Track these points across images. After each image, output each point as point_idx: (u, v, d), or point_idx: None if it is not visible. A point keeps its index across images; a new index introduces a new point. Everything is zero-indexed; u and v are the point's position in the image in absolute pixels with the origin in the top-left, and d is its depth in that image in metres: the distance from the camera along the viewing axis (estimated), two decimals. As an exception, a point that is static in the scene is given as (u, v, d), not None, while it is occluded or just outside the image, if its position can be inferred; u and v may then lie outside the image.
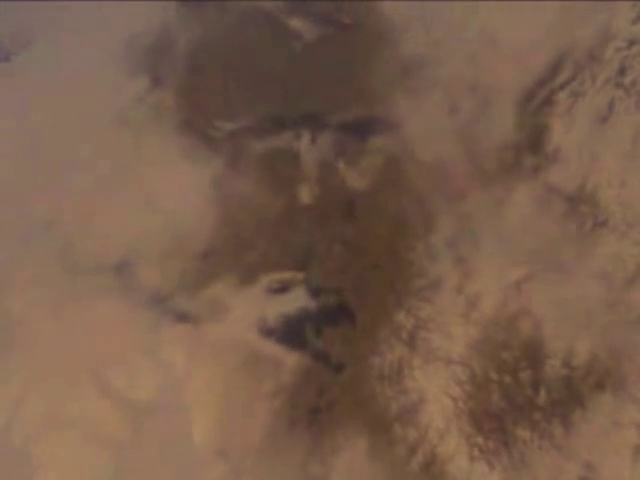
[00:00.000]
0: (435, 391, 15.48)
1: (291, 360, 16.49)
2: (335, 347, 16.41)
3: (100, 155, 19.53)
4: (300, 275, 16.86)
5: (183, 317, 17.15)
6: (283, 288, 16.93)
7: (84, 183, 19.17)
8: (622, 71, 17.02)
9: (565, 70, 17.62)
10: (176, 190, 18.33)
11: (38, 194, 19.23)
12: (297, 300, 16.71)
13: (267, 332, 16.72)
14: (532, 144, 16.92)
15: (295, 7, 20.64)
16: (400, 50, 19.02)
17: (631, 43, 17.28)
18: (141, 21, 21.77)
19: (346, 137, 18.07)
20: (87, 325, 17.50)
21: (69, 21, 22.40)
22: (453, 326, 15.78)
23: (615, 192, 15.89)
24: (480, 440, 14.84)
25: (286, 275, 16.98)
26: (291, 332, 16.71)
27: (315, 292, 16.76)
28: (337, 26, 19.95)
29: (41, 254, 18.46)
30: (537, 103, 17.39)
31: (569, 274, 15.42)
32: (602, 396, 14.40)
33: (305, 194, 17.59)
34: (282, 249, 17.34)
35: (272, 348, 16.58)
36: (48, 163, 19.51)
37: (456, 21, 19.00)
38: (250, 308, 16.94)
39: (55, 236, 18.62)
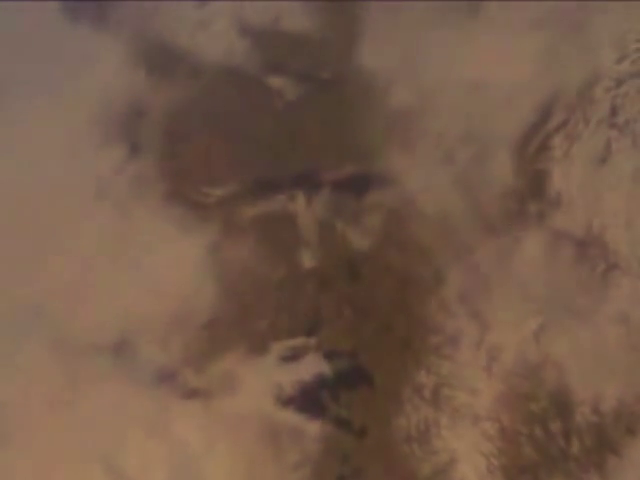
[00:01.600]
0: (466, 449, 16.29)
1: (312, 429, 17.16)
2: (356, 412, 17.15)
3: (84, 233, 19.87)
4: (312, 341, 17.61)
5: (193, 393, 17.70)
6: (296, 355, 17.65)
7: (71, 264, 19.50)
8: (614, 111, 18.36)
9: (557, 113, 18.87)
10: (170, 262, 18.91)
11: (23, 280, 19.53)
12: (312, 366, 17.45)
13: (284, 401, 17.38)
14: (534, 190, 18.05)
15: (272, 65, 21.49)
16: (388, 103, 20.04)
17: (619, 82, 18.64)
18: (111, 87, 22.39)
19: (342, 196, 18.92)
20: (90, 411, 17.90)
21: (35, 86, 22.92)
22: (476, 381, 16.66)
23: (622, 233, 17.08)
24: (516, 495, 15.75)
25: (297, 342, 17.70)
26: (309, 400, 17.39)
27: (329, 357, 17.51)
28: (318, 82, 20.83)
29: (33, 342, 18.81)
30: (533, 149, 18.56)
31: (587, 320, 16.48)
32: (634, 441, 15.40)
33: (307, 258, 18.36)
34: (290, 315, 18.05)
35: (291, 418, 17.23)
36: (29, 246, 19.87)
37: (442, 70, 20.13)
38: (264, 378, 17.60)
39: (46, 322, 18.94)
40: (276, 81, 21.40)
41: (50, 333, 19.02)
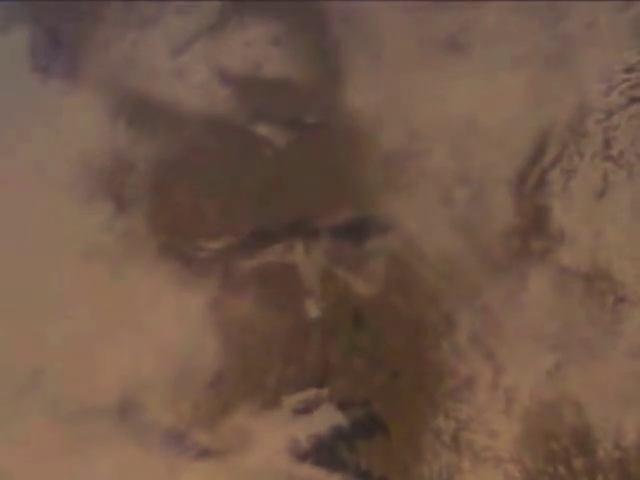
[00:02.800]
0: (491, 493, 16.92)
1: (332, 483, 17.66)
2: (374, 462, 17.68)
3: (78, 295, 20.20)
4: (324, 392, 18.13)
5: (204, 452, 18.06)
6: (309, 407, 18.13)
7: (66, 327, 19.79)
8: (607, 143, 19.32)
9: (551, 148, 19.79)
10: (170, 320, 19.33)
11: (17, 346, 19.80)
12: (326, 418, 17.95)
13: (301, 456, 17.82)
14: (536, 227, 18.88)
15: (257, 113, 22.18)
16: (380, 145, 20.76)
17: (609, 114, 19.64)
18: (90, 143, 22.88)
19: (342, 242, 19.53)
20: (95, 476, 18.21)
21: (10, 147, 23.28)
22: (495, 423, 17.32)
23: (628, 265, 17.98)
24: (545, 536, 16.36)
25: (309, 394, 18.21)
26: (326, 453, 17.85)
27: (343, 407, 18.03)
28: (306, 128, 21.51)
29: (32, 407, 19.07)
30: (531, 185, 19.41)
31: (601, 354, 17.28)
32: (658, 474, 16.16)
33: (311, 307, 18.90)
34: (299, 368, 18.55)
35: (309, 472, 17.70)
36: (21, 312, 20.14)
37: (431, 109, 20.99)
38: (278, 433, 18.05)
39: (44, 387, 19.21)
40: (262, 129, 21.94)
41: (49, 397, 19.25)
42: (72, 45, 25.49)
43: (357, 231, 19.74)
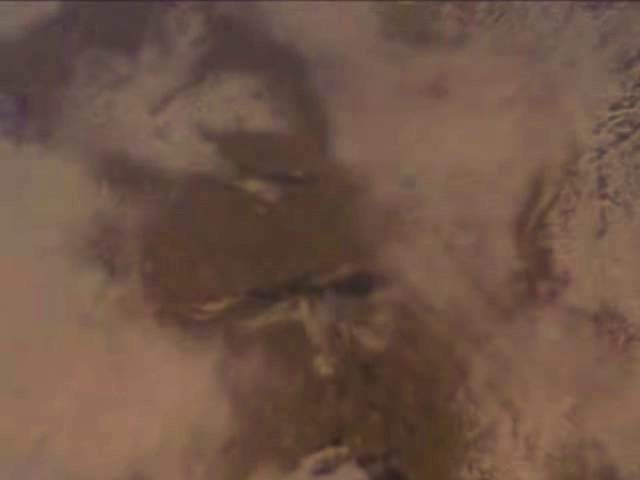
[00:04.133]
0: (520, 541, 17.59)
1: (359, 542, 18.17)
2: (400, 518, 18.27)
3: (78, 367, 20.51)
4: (342, 450, 18.71)
5: (224, 522, 18.48)
6: (328, 467, 18.65)
7: (69, 401, 20.05)
8: (602, 181, 20.37)
9: (547, 190, 20.76)
10: (175, 387, 19.72)
11: (20, 421, 20.05)
12: (347, 476, 18.51)
13: (325, 518, 18.35)
14: (540, 270, 19.77)
15: (244, 169, 22.87)
16: (374, 196, 21.58)
17: (601, 152, 20.71)
18: (74, 207, 23.33)
19: (346, 297, 20.20)
20: None
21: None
22: (520, 471, 18.01)
23: (636, 303, 18.95)
24: None
25: (328, 453, 18.77)
26: (351, 512, 18.42)
27: (362, 464, 18.60)
28: (296, 182, 22.24)
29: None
30: (531, 228, 20.33)
31: (617, 394, 18.12)
32: (684, 510, 17.00)
33: (322, 365, 19.47)
34: (314, 427, 19.05)
35: (335, 534, 18.21)
36: (23, 387, 20.41)
37: (422, 156, 21.89)
38: (300, 495, 18.58)
39: (48, 462, 19.46)
40: (252, 185, 22.56)
41: (53, 473, 19.40)
42: (42, 108, 25.79)
43: (360, 285, 20.30)
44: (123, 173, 24.00)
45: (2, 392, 20.32)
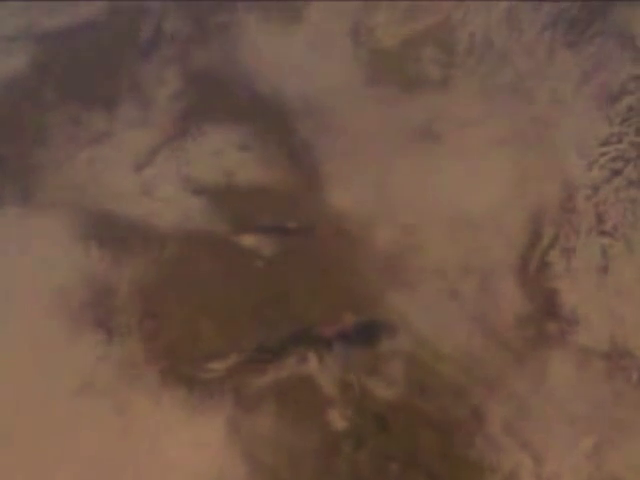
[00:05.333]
0: None
1: None
2: None
3: (82, 434, 20.60)
4: (362, 503, 19.06)
5: None
6: (351, 521, 18.99)
7: (74, 470, 20.13)
8: (600, 218, 21.10)
9: (546, 229, 21.46)
10: (187, 449, 19.84)
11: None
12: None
13: None
14: (547, 311, 20.40)
15: (237, 223, 23.32)
16: (374, 244, 22.14)
17: (595, 189, 21.52)
18: (65, 270, 23.54)
19: (354, 348, 20.69)
20: None
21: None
22: (546, 514, 18.57)
23: (645, 338, 19.63)
24: None
25: (348, 506, 19.10)
26: None
27: (384, 517, 18.98)
28: (293, 234, 22.72)
29: None
30: (534, 269, 21.00)
31: (635, 431, 18.82)
32: None
33: (336, 418, 19.87)
34: (333, 481, 19.43)
35: None
36: (25, 459, 20.41)
37: (419, 201, 22.53)
38: None
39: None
40: (248, 240, 22.96)
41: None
42: (20, 169, 25.99)
43: (366, 335, 20.72)
44: (112, 233, 24.20)
45: (3, 464, 20.09)
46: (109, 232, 24.23)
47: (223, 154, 24.59)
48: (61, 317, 22.82)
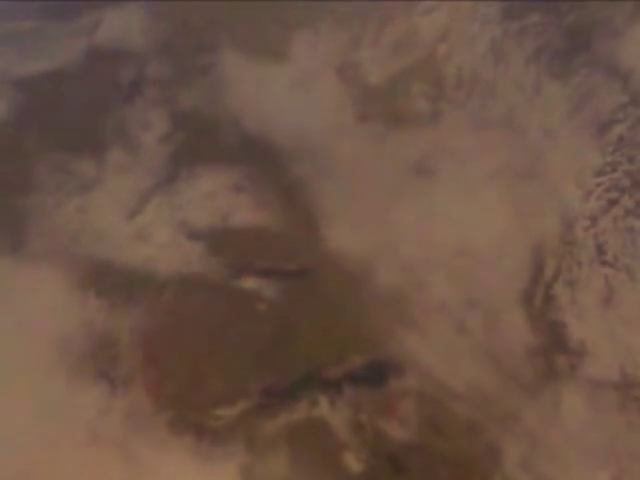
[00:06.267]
0: None
1: None
2: None
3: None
4: None
5: None
6: None
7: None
8: (600, 248, 21.52)
9: (548, 262, 21.83)
10: (201, 501, 19.99)
11: None
12: None
13: None
14: (555, 344, 20.74)
15: (237, 267, 23.49)
16: (376, 283, 22.38)
17: (593, 220, 21.95)
18: (62, 321, 23.50)
19: (364, 389, 20.89)
20: None
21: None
22: None
23: (655, 368, 19.99)
24: None
25: None
26: None
27: None
28: (293, 276, 22.95)
29: None
30: (539, 302, 21.33)
31: (654, 462, 19.09)
32: None
33: (351, 461, 20.00)
34: (352, 526, 19.51)
35: None
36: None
37: (420, 238, 22.86)
38: None
39: None
40: (249, 283, 23.10)
41: None
42: (7, 219, 25.89)
43: (376, 375, 20.86)
44: (109, 280, 24.13)
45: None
46: (106, 280, 24.01)
47: (217, 197, 24.58)
48: (62, 369, 22.60)
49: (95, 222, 25.35)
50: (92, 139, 27.76)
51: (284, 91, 27.32)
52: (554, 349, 20.20)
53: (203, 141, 26.70)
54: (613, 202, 21.97)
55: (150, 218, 25.01)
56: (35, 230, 25.58)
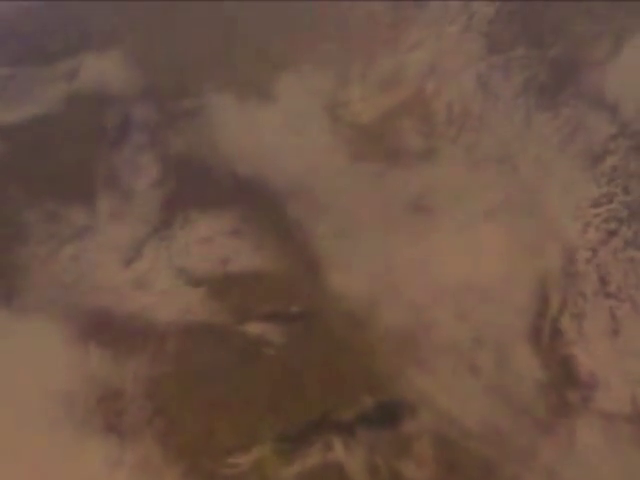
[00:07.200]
0: None
1: None
2: None
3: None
4: None
5: None
6: None
7: None
8: (603, 280, 21.95)
9: (553, 296, 22.24)
10: None
11: None
12: None
13: None
14: (566, 378, 21.10)
15: (241, 312, 23.59)
16: (383, 323, 22.60)
17: (594, 251, 22.39)
18: (64, 373, 23.40)
19: (378, 430, 21.07)
20: None
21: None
22: None
23: (665, 398, 20.37)
24: None
25: None
26: None
27: None
28: (299, 318, 23.15)
29: None
30: (547, 337, 21.71)
31: (670, 493, 19.43)
32: None
33: (370, 504, 20.12)
34: None
35: None
36: None
37: (424, 277, 23.15)
38: None
39: None
40: (254, 328, 23.19)
41: None
42: (0, 272, 25.71)
43: (388, 416, 21.03)
44: (109, 331, 23.86)
45: None
46: (107, 330, 23.87)
47: (214, 241, 24.68)
48: (68, 424, 22.40)
49: (90, 271, 25.19)
50: (81, 186, 27.62)
51: (275, 132, 27.51)
52: (565, 383, 20.48)
53: (196, 185, 26.71)
54: (612, 233, 22.40)
55: (147, 265, 24.85)
56: (29, 281, 25.37)
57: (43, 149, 28.75)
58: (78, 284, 24.87)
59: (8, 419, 22.52)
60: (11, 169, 28.20)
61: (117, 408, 22.61)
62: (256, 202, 25.68)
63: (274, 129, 27.53)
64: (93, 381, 23.03)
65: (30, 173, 28.10)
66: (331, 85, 28.35)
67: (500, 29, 28.87)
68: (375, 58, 28.89)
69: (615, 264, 21.81)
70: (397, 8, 30.49)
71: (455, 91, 26.89)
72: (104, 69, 31.01)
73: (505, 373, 20.62)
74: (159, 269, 24.62)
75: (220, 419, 21.92)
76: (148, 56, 30.86)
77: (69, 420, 22.41)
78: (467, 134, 25.60)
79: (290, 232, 24.64)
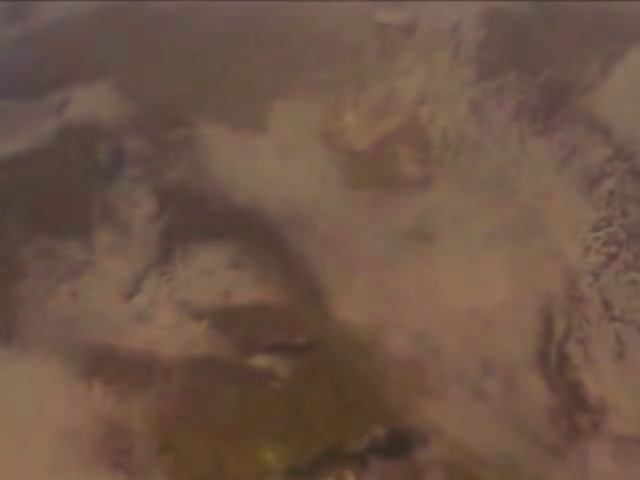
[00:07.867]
0: None
1: None
2: None
3: None
4: None
5: None
6: None
7: None
8: (606, 304, 22.20)
9: (558, 321, 22.44)
10: None
11: None
12: None
13: None
14: (576, 403, 21.28)
15: (245, 344, 23.62)
16: (388, 353, 22.71)
17: (596, 275, 22.65)
18: (68, 411, 23.32)
19: (390, 459, 21.12)
20: None
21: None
22: None
23: (674, 420, 20.60)
24: None
25: None
26: None
27: None
28: (305, 349, 23.21)
29: None
30: (554, 362, 21.90)
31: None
32: None
33: (387, 537, 20.16)
34: None
35: None
36: None
37: (428, 305, 23.31)
38: None
39: None
40: (260, 360, 23.21)
41: None
42: (-1, 310, 25.53)
43: (399, 445, 21.08)
44: (113, 367, 23.84)
45: None
46: (110, 367, 23.78)
47: (215, 274, 24.70)
48: (74, 464, 22.24)
49: (91, 306, 25.13)
50: (77, 220, 27.59)
51: (270, 161, 27.66)
52: (575, 408, 20.65)
53: (193, 217, 26.75)
54: (612, 257, 22.65)
55: (148, 299, 24.85)
56: (28, 319, 25.25)
57: (36, 183, 28.63)
58: (78, 320, 24.76)
59: (12, 460, 22.29)
60: (5, 205, 27.75)
61: (124, 445, 22.41)
62: (255, 232, 25.74)
63: (269, 158, 27.65)
64: (98, 419, 22.74)
65: (24, 208, 27.68)
66: (324, 113, 28.27)
67: (490, 54, 29.14)
68: (366, 85, 28.86)
69: (617, 287, 21.99)
70: (385, 35, 30.47)
71: (449, 117, 27.01)
72: (94, 101, 30.75)
73: (513, 399, 20.76)
74: (160, 303, 24.58)
75: (229, 453, 21.80)
76: (138, 87, 30.80)
77: (75, 460, 22.31)
78: (463, 159, 25.69)
79: (291, 262, 24.72)
